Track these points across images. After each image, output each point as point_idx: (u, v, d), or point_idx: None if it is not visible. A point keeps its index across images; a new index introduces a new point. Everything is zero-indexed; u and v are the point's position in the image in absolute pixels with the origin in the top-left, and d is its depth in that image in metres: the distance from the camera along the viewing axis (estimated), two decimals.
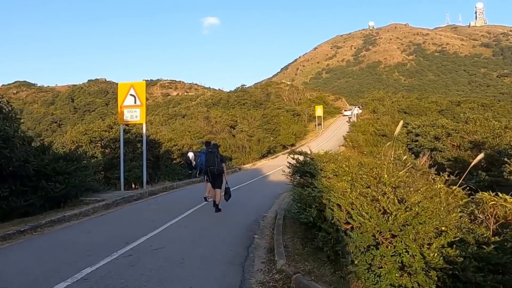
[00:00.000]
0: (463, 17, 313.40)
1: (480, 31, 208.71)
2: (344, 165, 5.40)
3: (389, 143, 16.70)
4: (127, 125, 17.40)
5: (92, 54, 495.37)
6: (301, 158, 6.38)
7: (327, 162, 5.80)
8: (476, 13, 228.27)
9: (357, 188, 4.82)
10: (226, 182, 7.72)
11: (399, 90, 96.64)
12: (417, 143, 26.42)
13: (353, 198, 4.42)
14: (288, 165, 6.97)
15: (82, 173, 8.82)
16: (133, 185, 15.28)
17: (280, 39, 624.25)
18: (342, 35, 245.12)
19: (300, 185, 5.73)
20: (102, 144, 17.28)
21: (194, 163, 14.55)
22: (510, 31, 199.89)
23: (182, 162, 19.91)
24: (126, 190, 10.77)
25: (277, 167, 19.40)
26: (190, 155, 14.70)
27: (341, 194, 4.53)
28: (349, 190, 4.67)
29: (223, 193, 7.65)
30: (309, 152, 6.79)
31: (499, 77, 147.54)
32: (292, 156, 6.44)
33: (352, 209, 4.39)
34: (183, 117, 46.49)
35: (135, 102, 10.85)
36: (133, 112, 10.84)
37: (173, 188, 12.02)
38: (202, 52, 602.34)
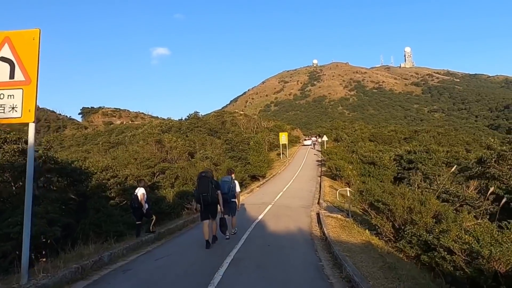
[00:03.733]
0: (394, 59, 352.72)
1: (409, 71, 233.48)
2: None
3: (454, 168, 11.38)
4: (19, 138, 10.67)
5: None
6: None
7: None
8: (405, 56, 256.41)
9: None
10: (221, 212, 7.57)
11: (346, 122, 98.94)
12: (411, 171, 23.10)
13: None
14: None
15: None
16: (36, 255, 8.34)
17: (229, 72, 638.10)
18: (288, 71, 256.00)
19: None
20: None
21: (145, 206, 8.27)
22: (434, 72, 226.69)
23: (125, 202, 13.30)
24: None
25: (265, 206, 13.77)
26: (139, 192, 8.32)
27: None
28: None
29: (219, 222, 7.47)
30: None
31: (430, 112, 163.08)
32: None
33: None
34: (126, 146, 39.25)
35: (12, 76, 4.68)
36: (4, 97, 4.65)
37: (100, 266, 5.66)
38: (150, 82, 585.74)
